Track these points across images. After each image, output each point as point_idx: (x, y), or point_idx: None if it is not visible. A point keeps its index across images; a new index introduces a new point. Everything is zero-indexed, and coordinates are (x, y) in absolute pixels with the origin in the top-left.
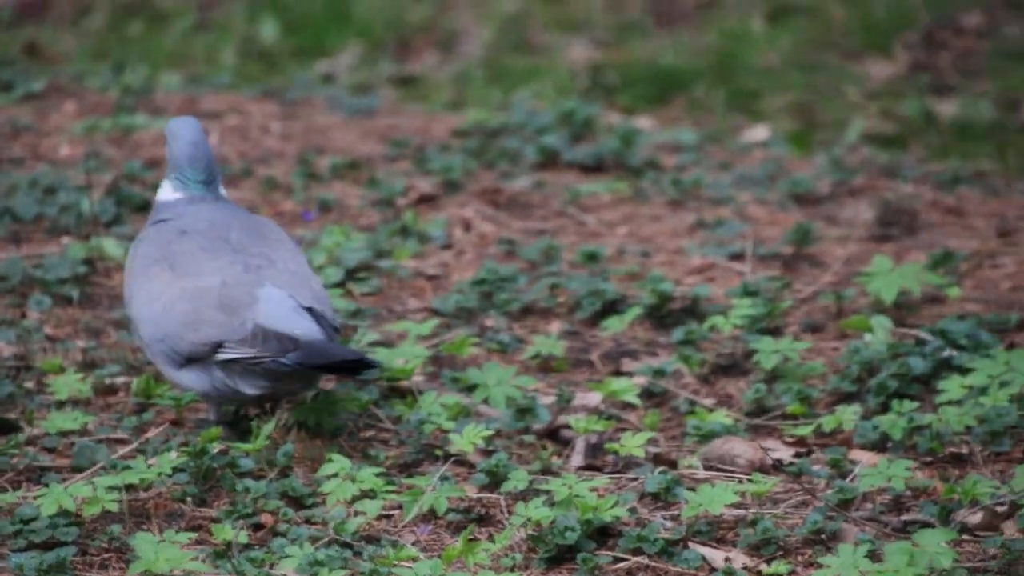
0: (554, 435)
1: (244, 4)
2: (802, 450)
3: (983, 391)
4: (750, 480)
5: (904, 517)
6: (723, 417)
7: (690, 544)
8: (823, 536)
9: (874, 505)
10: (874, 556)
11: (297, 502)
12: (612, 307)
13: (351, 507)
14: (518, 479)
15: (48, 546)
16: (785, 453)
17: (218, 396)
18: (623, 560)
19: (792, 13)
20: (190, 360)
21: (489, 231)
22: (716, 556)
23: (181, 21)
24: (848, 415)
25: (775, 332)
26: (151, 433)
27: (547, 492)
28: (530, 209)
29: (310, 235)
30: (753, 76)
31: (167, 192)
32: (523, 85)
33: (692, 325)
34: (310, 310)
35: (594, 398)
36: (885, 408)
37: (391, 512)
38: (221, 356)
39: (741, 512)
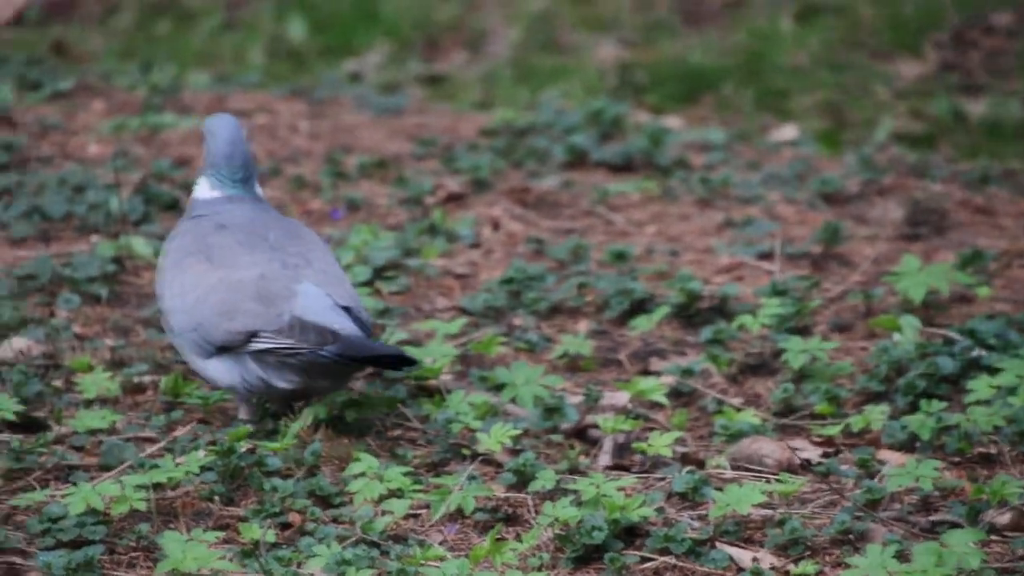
0: (582, 434)
1: (272, 3)
2: (830, 450)
3: (1012, 391)
4: (778, 480)
5: (932, 517)
6: (751, 417)
7: (718, 544)
8: (851, 536)
9: (902, 505)
10: (902, 556)
11: (325, 501)
12: (640, 306)
13: (379, 506)
14: (546, 479)
15: (76, 545)
16: (813, 453)
17: (247, 390)
18: (650, 560)
19: (821, 12)
20: (221, 351)
21: (517, 230)
22: (744, 556)
23: (209, 20)
24: (876, 415)
25: (803, 331)
26: (179, 432)
27: (575, 492)
28: (558, 208)
29: (338, 234)
30: (782, 75)
31: (204, 190)
32: (551, 84)
33: (720, 324)
34: (347, 310)
35: (622, 397)
36: (913, 408)
37: (418, 511)
38: (256, 346)
39: (769, 512)
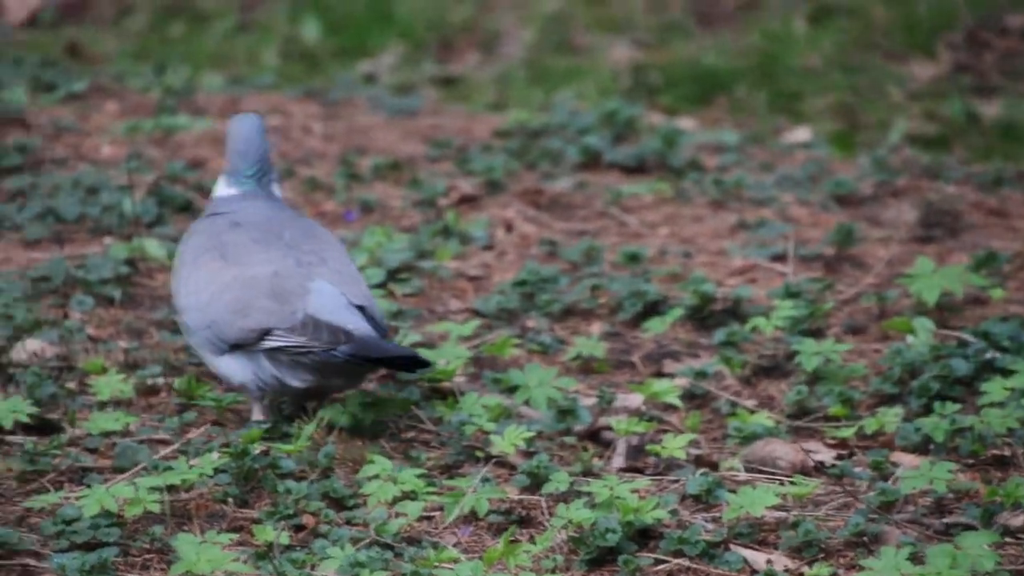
0: (595, 437)
1: (286, 4)
2: (844, 452)
3: None
4: (792, 482)
5: (946, 520)
6: (765, 419)
7: (731, 546)
8: (865, 538)
9: (916, 507)
10: (916, 559)
11: (338, 503)
12: (654, 308)
13: (392, 508)
14: (559, 481)
15: (90, 547)
16: (827, 455)
17: (260, 388)
18: (664, 562)
19: (834, 14)
20: (235, 348)
21: (531, 232)
22: (758, 558)
23: (223, 22)
24: (890, 417)
25: (817, 334)
26: (193, 434)
27: (588, 494)
28: (572, 210)
29: (352, 236)
30: (795, 77)
31: (221, 188)
32: (565, 86)
33: (734, 326)
34: (361, 309)
35: (635, 400)
36: (927, 410)
37: (432, 513)
38: (268, 344)
39: (783, 514)
